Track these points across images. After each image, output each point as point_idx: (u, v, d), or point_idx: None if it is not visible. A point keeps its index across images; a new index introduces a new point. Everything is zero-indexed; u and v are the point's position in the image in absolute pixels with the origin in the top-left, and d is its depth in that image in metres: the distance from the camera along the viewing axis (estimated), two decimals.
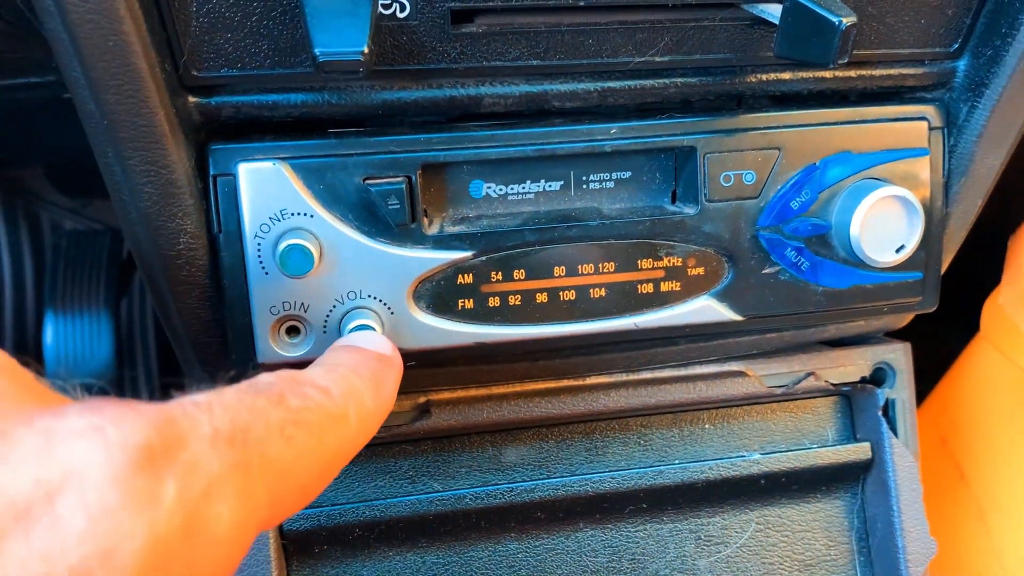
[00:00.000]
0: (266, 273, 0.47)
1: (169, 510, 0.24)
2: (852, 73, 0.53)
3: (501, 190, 0.52)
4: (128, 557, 0.22)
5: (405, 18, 0.45)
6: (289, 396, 0.34)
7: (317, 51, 0.40)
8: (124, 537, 0.22)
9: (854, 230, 0.51)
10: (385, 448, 0.57)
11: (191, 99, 0.45)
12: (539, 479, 0.58)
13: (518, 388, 0.58)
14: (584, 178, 0.52)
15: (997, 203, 0.63)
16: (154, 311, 1.18)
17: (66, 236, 1.21)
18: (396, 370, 0.43)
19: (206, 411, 0.29)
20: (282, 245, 0.46)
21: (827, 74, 0.52)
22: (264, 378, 0.35)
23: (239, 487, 0.28)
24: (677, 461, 0.60)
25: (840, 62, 0.45)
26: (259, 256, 0.47)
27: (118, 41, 0.40)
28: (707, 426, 0.61)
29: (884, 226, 0.52)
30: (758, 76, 0.52)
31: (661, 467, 0.59)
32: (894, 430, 0.62)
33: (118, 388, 1.12)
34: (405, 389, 0.57)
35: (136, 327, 1.25)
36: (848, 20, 0.44)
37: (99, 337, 1.20)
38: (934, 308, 0.57)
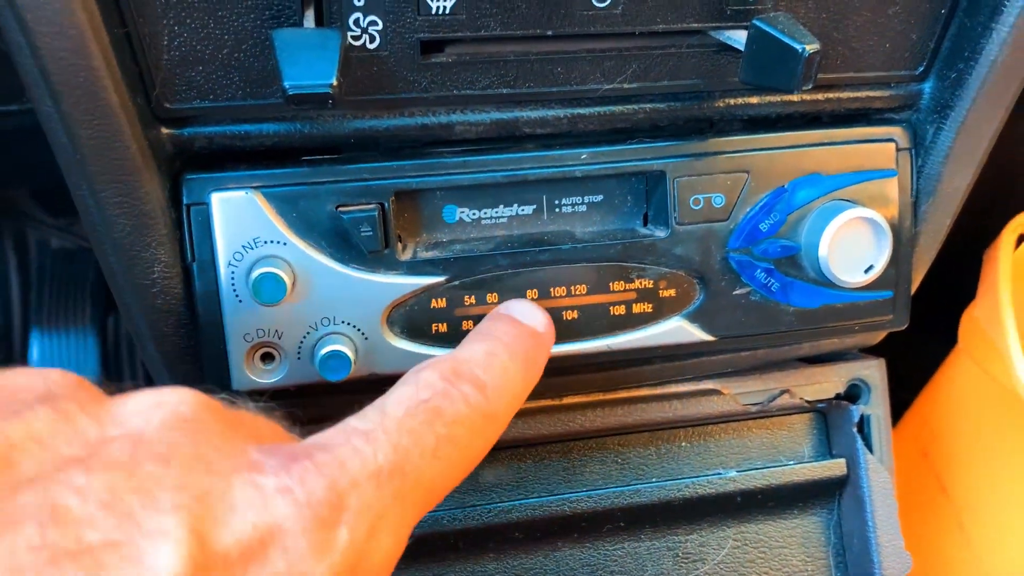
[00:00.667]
0: (240, 301, 0.48)
1: (343, 553, 0.31)
2: (820, 96, 0.53)
3: (475, 215, 0.52)
4: None
5: (375, 49, 0.46)
6: (446, 406, 0.37)
7: (287, 84, 0.41)
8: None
9: (822, 251, 0.52)
10: None
11: (164, 130, 0.46)
12: (517, 499, 0.58)
13: None
14: (557, 202, 0.53)
15: (973, 217, 0.64)
16: None
17: (52, 254, 1.22)
18: (548, 348, 0.46)
19: (372, 444, 0.34)
20: (255, 273, 0.46)
21: (795, 97, 0.53)
22: (425, 377, 0.39)
23: (398, 516, 0.33)
24: (654, 479, 0.61)
25: (804, 88, 0.46)
26: (233, 284, 0.48)
27: (88, 76, 0.41)
28: (683, 444, 0.62)
29: (852, 247, 0.52)
30: (726, 100, 0.52)
31: (638, 485, 0.60)
32: (869, 446, 0.63)
33: None
34: None
35: (123, 344, 1.25)
36: (811, 47, 0.45)
37: (85, 354, 1.21)
38: (905, 326, 0.58)
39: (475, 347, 0.41)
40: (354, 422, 0.35)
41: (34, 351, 1.18)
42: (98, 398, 0.32)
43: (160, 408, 0.32)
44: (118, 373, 1.25)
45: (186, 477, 0.29)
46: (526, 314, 0.46)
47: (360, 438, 0.34)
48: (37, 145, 0.75)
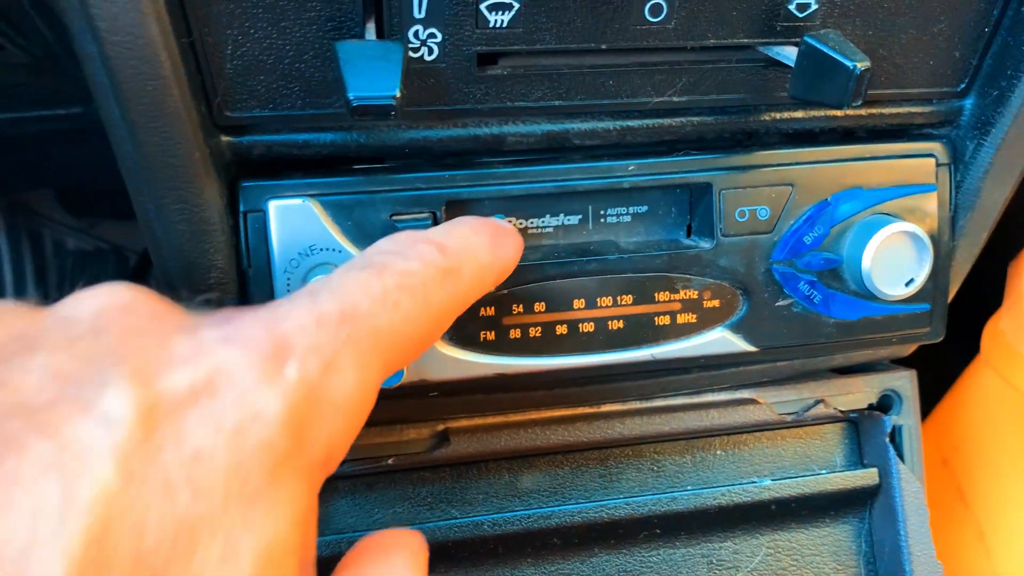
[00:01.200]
0: None
1: (293, 384, 0.31)
2: (862, 112, 0.54)
3: (521, 224, 0.53)
4: (271, 417, 0.30)
5: (432, 61, 0.47)
6: (395, 261, 0.37)
7: (351, 95, 0.41)
8: (266, 405, 0.30)
9: (865, 264, 0.53)
10: (404, 475, 0.58)
11: (224, 138, 0.47)
12: (555, 505, 0.59)
13: (535, 416, 0.59)
14: (602, 212, 0.54)
15: (999, 229, 0.64)
16: None
17: (71, 256, 1.22)
18: (517, 238, 0.46)
19: (314, 296, 0.34)
20: (311, 281, 0.47)
21: (838, 113, 0.54)
22: (378, 244, 0.40)
23: (355, 358, 0.33)
24: (690, 487, 0.61)
25: (854, 105, 0.46)
26: (288, 290, 0.48)
27: (158, 85, 0.41)
28: (718, 452, 0.63)
29: (894, 260, 0.53)
30: (771, 114, 0.53)
31: (674, 493, 0.60)
32: (901, 456, 0.63)
33: None
34: (424, 417, 0.58)
35: None
36: (862, 65, 0.46)
37: None
38: (941, 338, 0.59)
39: (434, 228, 0.43)
40: (307, 287, 0.36)
41: None
42: (35, 306, 0.34)
43: (95, 297, 0.33)
44: None
45: (125, 342, 0.30)
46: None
47: (302, 295, 0.35)
48: (76, 147, 0.76)
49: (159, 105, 0.42)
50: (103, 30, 0.39)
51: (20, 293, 1.26)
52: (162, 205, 0.45)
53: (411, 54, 0.46)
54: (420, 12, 0.45)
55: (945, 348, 0.82)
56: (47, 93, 0.60)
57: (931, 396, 0.92)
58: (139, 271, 1.18)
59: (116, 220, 1.10)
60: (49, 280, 1.26)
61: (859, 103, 0.46)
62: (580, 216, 0.53)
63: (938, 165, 0.56)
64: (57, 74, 0.58)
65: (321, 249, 0.48)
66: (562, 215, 0.53)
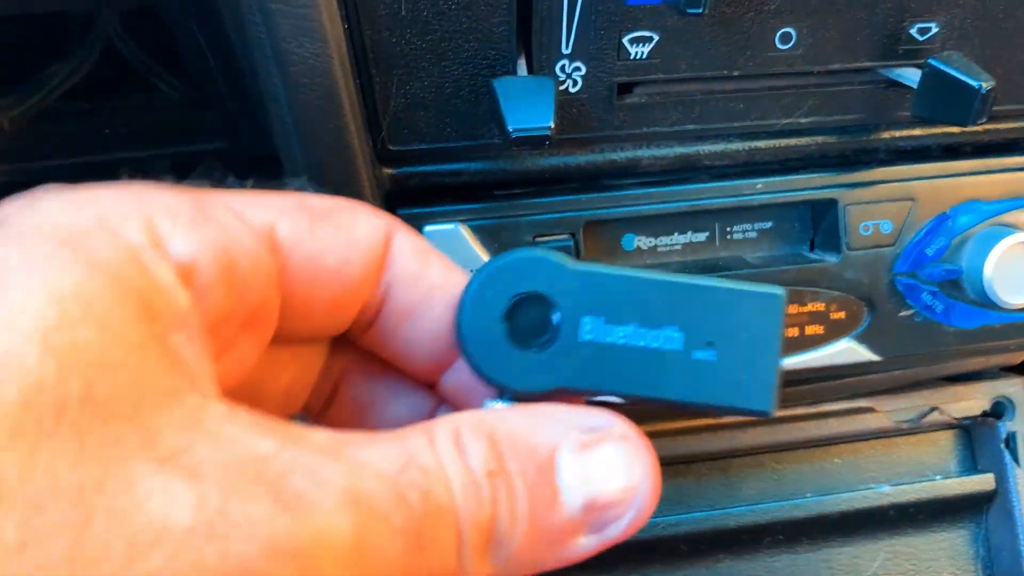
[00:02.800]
0: None
1: None
2: (979, 128, 0.56)
3: (651, 242, 0.56)
4: None
5: (576, 92, 0.50)
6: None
7: (511, 127, 0.44)
8: None
9: (987, 274, 0.54)
10: None
11: (385, 170, 0.50)
12: (680, 514, 0.61)
13: (660, 427, 0.61)
14: (728, 229, 0.56)
15: None
16: None
17: None
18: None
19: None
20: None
21: (955, 129, 0.56)
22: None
23: None
24: (810, 494, 0.63)
25: (979, 123, 0.48)
26: None
27: (337, 124, 0.45)
28: (836, 460, 0.64)
29: (1014, 270, 0.55)
30: (891, 132, 0.55)
31: (796, 500, 0.62)
32: (1017, 461, 0.64)
33: None
34: None
35: None
36: (987, 85, 0.48)
37: None
38: None
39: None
40: None
41: None
42: None
43: None
44: None
45: None
46: None
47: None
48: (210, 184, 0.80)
49: (338, 142, 0.45)
50: (293, 72, 0.43)
51: None
52: None
53: (557, 87, 0.49)
54: (567, 48, 0.48)
55: None
56: (190, 129, 0.64)
57: None
58: None
59: None
60: None
61: (983, 120, 0.48)
62: (707, 233, 0.56)
63: None
64: (206, 110, 0.62)
65: (471, 270, 0.51)
66: (690, 232, 0.56)
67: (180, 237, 0.27)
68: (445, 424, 0.28)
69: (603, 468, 0.30)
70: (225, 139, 0.63)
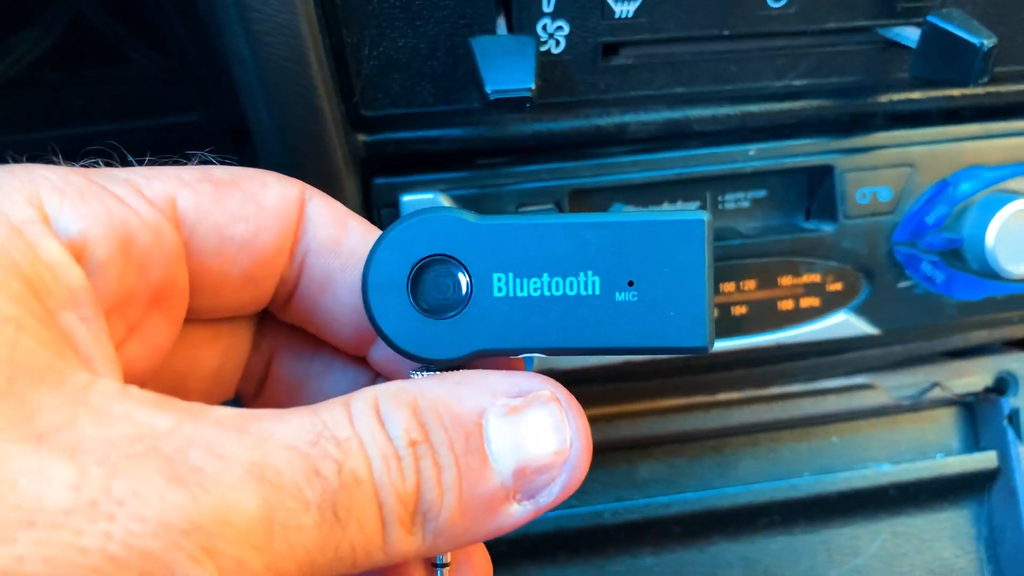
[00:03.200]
0: None
1: None
2: (980, 90, 0.54)
3: None
4: None
5: (559, 54, 0.47)
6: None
7: (489, 89, 0.42)
8: None
9: (989, 243, 0.52)
10: None
11: (360, 136, 0.48)
12: (674, 494, 0.59)
13: (651, 405, 0.59)
14: (720, 198, 0.54)
15: None
16: None
17: None
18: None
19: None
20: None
21: (955, 92, 0.54)
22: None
23: None
24: (807, 474, 0.61)
25: (981, 82, 0.46)
26: None
27: (306, 85, 0.43)
28: (834, 439, 0.62)
29: (1018, 239, 0.52)
30: (889, 95, 0.53)
31: (793, 480, 0.60)
32: (1020, 438, 0.62)
33: None
34: None
35: None
36: (989, 42, 0.45)
37: None
38: None
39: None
40: None
41: None
42: None
43: None
44: None
45: None
46: None
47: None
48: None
49: (307, 105, 0.43)
50: (258, 32, 0.41)
51: None
52: None
53: (539, 47, 0.47)
54: (549, 6, 0.46)
55: None
56: (165, 102, 0.62)
57: None
58: None
59: None
60: None
61: (985, 79, 0.46)
62: (699, 203, 0.54)
63: None
64: (178, 83, 0.60)
65: None
66: (680, 201, 0.54)
67: (69, 212, 0.25)
68: (363, 395, 0.27)
69: (533, 432, 0.28)
70: (200, 111, 0.61)
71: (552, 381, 0.30)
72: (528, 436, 0.28)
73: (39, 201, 0.25)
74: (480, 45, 0.44)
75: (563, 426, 0.29)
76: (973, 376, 0.63)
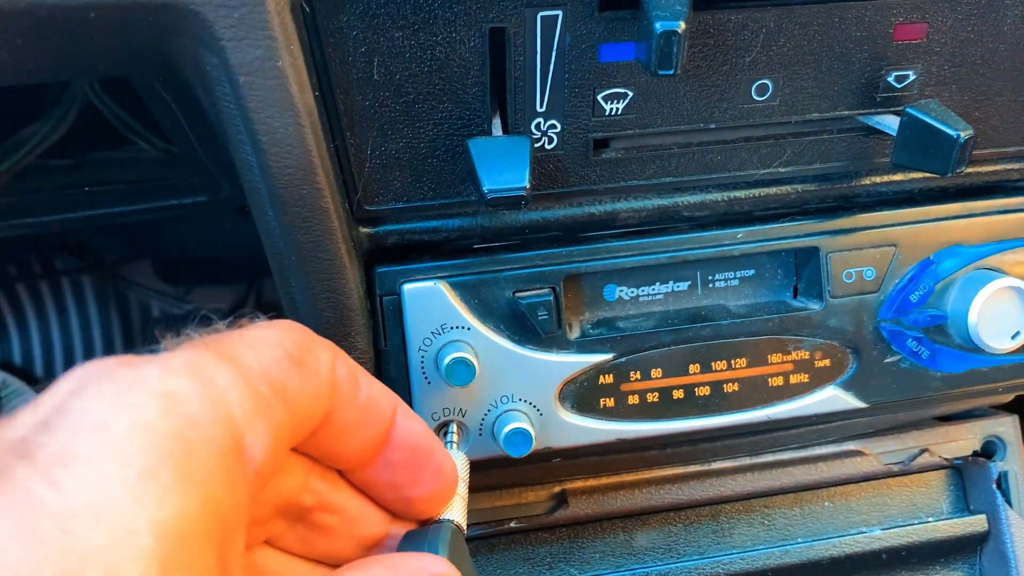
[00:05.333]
0: (428, 382, 0.51)
1: None
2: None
3: (632, 292, 0.55)
4: None
5: (552, 149, 0.49)
6: None
7: (486, 189, 0.44)
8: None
9: (972, 319, 0.54)
10: (523, 536, 0.60)
11: (362, 230, 0.50)
12: (671, 562, 0.61)
13: (648, 475, 0.61)
14: (710, 277, 0.56)
15: None
16: None
17: (164, 321, 1.27)
18: None
19: None
20: (447, 359, 0.50)
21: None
22: None
23: None
24: (800, 539, 0.62)
25: (959, 171, 0.48)
26: (422, 367, 0.51)
27: (311, 189, 0.45)
28: (826, 504, 0.64)
29: (1000, 315, 0.54)
30: (872, 178, 0.55)
31: (786, 546, 0.62)
32: (1008, 501, 0.64)
33: None
34: (542, 479, 0.60)
35: None
36: (966, 134, 0.47)
37: None
38: None
39: None
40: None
41: None
42: None
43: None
44: None
45: None
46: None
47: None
48: (187, 229, 0.80)
49: (312, 206, 0.45)
50: (265, 143, 0.43)
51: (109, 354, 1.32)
52: (310, 295, 0.48)
53: (533, 144, 0.49)
54: (542, 106, 0.48)
55: None
56: (174, 185, 0.64)
57: None
58: None
59: (206, 286, 1.14)
60: (135, 340, 1.31)
61: (963, 169, 0.48)
62: (689, 282, 0.56)
63: None
64: (187, 167, 0.62)
65: (452, 327, 0.51)
66: (671, 282, 0.55)
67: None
68: None
69: None
70: (206, 193, 0.63)
71: (449, 565, 0.38)
72: None
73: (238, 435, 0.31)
74: (477, 147, 0.46)
75: None
76: (961, 441, 0.64)
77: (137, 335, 1.33)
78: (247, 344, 0.33)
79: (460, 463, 0.45)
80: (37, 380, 1.34)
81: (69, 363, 1.32)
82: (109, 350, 1.32)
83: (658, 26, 0.41)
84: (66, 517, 0.25)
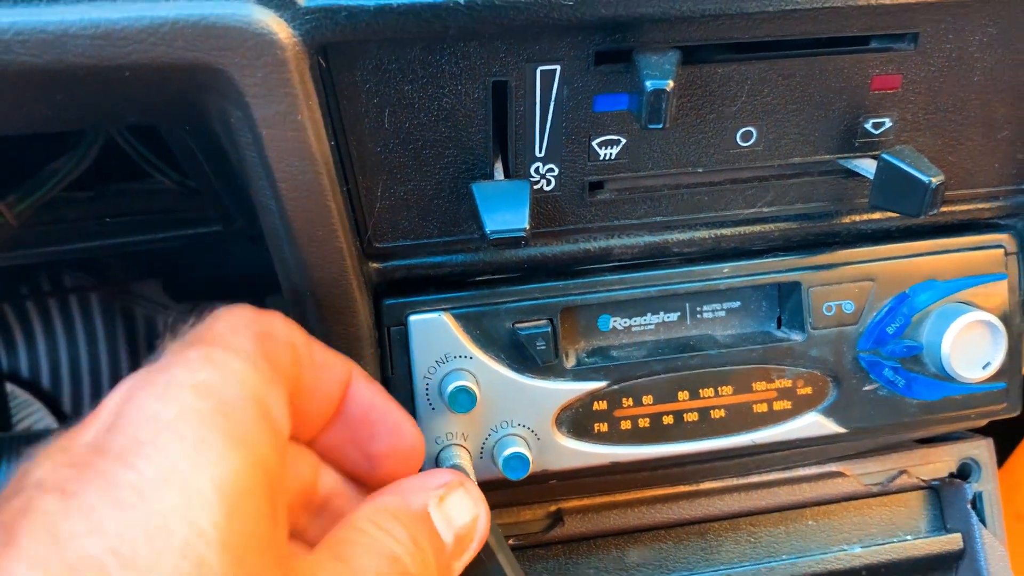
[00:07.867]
0: (432, 408, 0.55)
1: None
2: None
3: (625, 323, 0.59)
4: None
5: (550, 191, 0.53)
6: None
7: (488, 230, 0.48)
8: None
9: (945, 351, 0.57)
10: (521, 553, 0.63)
11: (372, 264, 0.53)
12: None
13: (640, 495, 0.64)
14: (698, 309, 0.59)
15: None
16: None
17: (159, 335, 1.30)
18: None
19: None
20: (450, 387, 0.53)
21: None
22: None
23: None
24: (785, 556, 0.66)
25: (930, 214, 0.51)
26: (427, 395, 0.54)
27: (327, 230, 0.48)
28: (810, 522, 0.67)
29: (972, 346, 0.58)
30: (851, 217, 0.58)
31: (771, 563, 0.65)
32: (983, 521, 0.67)
33: None
34: (538, 499, 0.64)
35: None
36: (937, 180, 0.51)
37: None
38: (1017, 412, 0.63)
39: None
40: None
41: None
42: None
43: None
44: None
45: None
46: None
47: None
48: (199, 255, 0.83)
49: (327, 245, 0.48)
50: (284, 188, 0.46)
51: (114, 366, 1.35)
52: (325, 328, 0.51)
53: (532, 186, 0.52)
54: (541, 152, 0.51)
55: None
56: (191, 216, 0.67)
57: (1002, 451, 0.95)
58: None
59: (212, 300, 1.18)
60: (140, 353, 1.34)
61: (934, 211, 0.52)
62: (679, 313, 0.59)
63: (1006, 255, 0.60)
64: (203, 199, 0.65)
65: (455, 357, 0.54)
66: (662, 313, 0.59)
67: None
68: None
69: (456, 509, 0.43)
70: (220, 224, 0.66)
71: (455, 472, 0.44)
72: (454, 512, 0.43)
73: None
74: (480, 190, 0.49)
75: (475, 500, 0.44)
76: (938, 463, 0.68)
77: (143, 349, 1.36)
78: (230, 331, 0.38)
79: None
80: (43, 392, 1.37)
81: (75, 376, 1.35)
82: (114, 363, 1.35)
83: (648, 84, 0.44)
84: (144, 486, 0.30)
